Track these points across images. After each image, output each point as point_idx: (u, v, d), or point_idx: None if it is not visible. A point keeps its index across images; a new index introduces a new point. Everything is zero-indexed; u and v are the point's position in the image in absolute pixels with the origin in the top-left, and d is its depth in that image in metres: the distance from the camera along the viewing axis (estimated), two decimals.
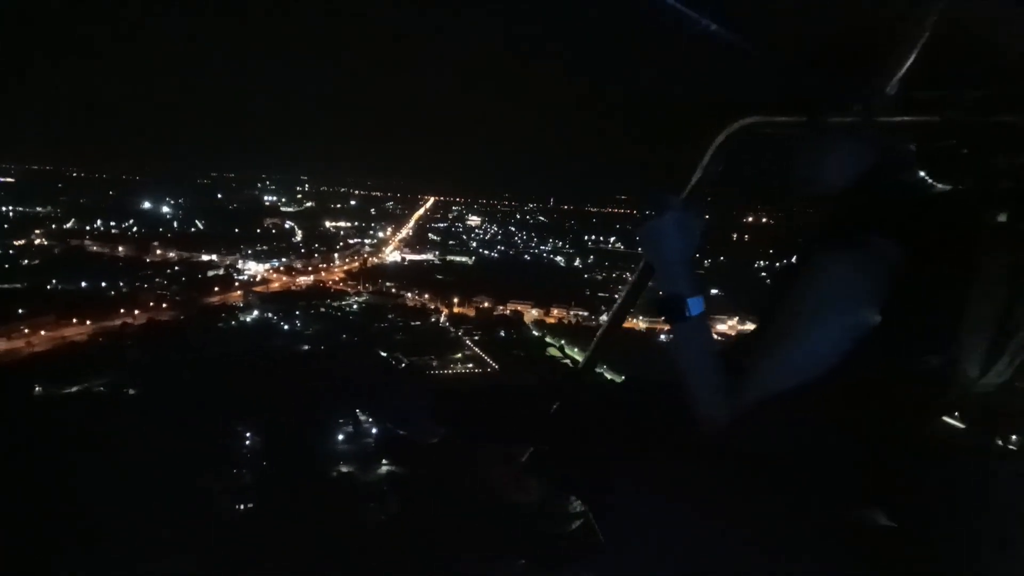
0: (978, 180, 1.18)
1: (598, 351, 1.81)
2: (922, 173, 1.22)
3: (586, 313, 47.13)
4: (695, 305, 1.30)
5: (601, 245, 77.07)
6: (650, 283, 1.62)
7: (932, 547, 1.15)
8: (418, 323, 41.25)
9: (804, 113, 1.27)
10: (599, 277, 60.45)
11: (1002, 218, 1.15)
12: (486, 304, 47.77)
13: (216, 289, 47.29)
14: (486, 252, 70.84)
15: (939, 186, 1.21)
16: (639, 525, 1.34)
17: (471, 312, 46.47)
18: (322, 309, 43.07)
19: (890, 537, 1.17)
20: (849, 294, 1.13)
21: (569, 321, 46.31)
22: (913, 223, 1.14)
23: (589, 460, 1.57)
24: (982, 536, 1.13)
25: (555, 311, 47.42)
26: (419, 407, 2.18)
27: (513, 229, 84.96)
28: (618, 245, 78.27)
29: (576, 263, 66.64)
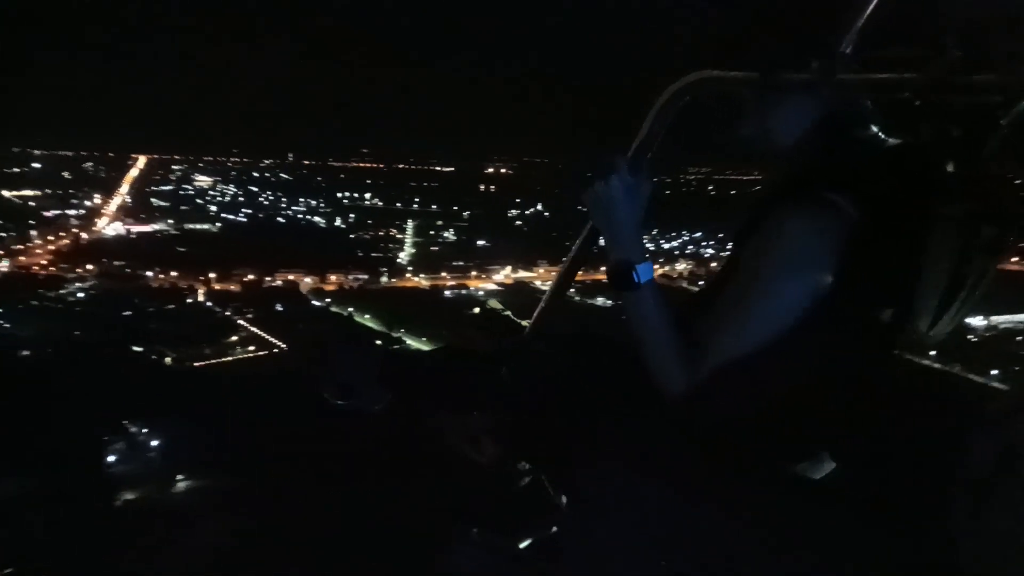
0: (929, 131, 1.18)
1: (546, 314, 1.76)
2: (875, 128, 1.22)
3: (366, 276, 45.32)
4: (644, 272, 1.27)
5: (358, 202, 74.70)
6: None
7: (899, 501, 1.18)
8: (173, 307, 35.53)
9: (758, 69, 1.21)
10: (367, 237, 58.51)
11: (951, 168, 1.17)
12: (251, 276, 42.82)
13: None
14: (232, 217, 63.66)
15: (891, 140, 1.22)
16: (598, 490, 1.31)
17: (236, 287, 41.18)
18: (34, 302, 34.54)
19: (857, 496, 1.19)
20: (805, 253, 1.12)
21: (350, 287, 43.81)
22: (867, 178, 1.15)
23: (543, 426, 1.54)
24: (944, 484, 1.16)
25: (332, 277, 44.44)
26: (363, 374, 1.83)
27: (255, 189, 77.68)
28: (376, 201, 76.69)
29: (338, 223, 63.43)
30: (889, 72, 1.11)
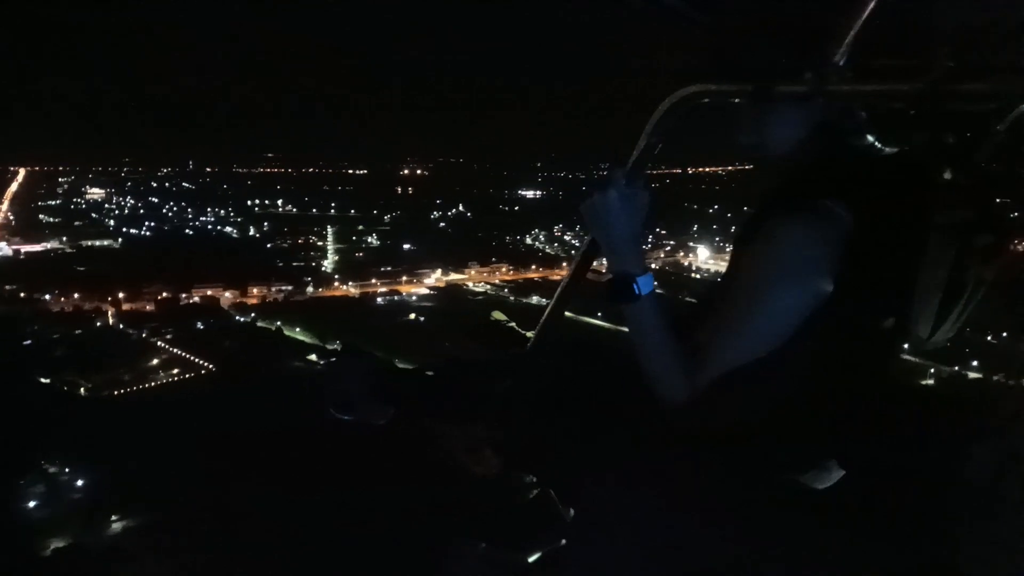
0: (922, 139, 1.21)
1: (547, 329, 1.75)
2: (870, 137, 1.23)
3: (290, 287, 43.57)
4: (644, 283, 1.27)
5: (271, 210, 71.87)
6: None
7: (900, 512, 1.19)
8: (80, 332, 32.92)
9: (751, 82, 1.21)
10: (285, 245, 56.30)
11: (947, 175, 1.20)
12: (165, 294, 40.29)
13: None
14: (135, 231, 59.51)
15: (887, 149, 1.24)
16: (604, 503, 1.30)
17: (150, 306, 38.72)
18: None
19: (857, 507, 1.19)
20: (802, 261, 1.12)
21: (275, 299, 42.05)
22: (862, 186, 1.15)
23: (548, 440, 1.52)
24: (948, 490, 1.18)
25: (254, 290, 42.42)
26: (364, 388, 1.85)
27: (156, 200, 73.23)
28: (290, 208, 74.02)
29: (252, 232, 60.64)
30: (882, 82, 1.12)
